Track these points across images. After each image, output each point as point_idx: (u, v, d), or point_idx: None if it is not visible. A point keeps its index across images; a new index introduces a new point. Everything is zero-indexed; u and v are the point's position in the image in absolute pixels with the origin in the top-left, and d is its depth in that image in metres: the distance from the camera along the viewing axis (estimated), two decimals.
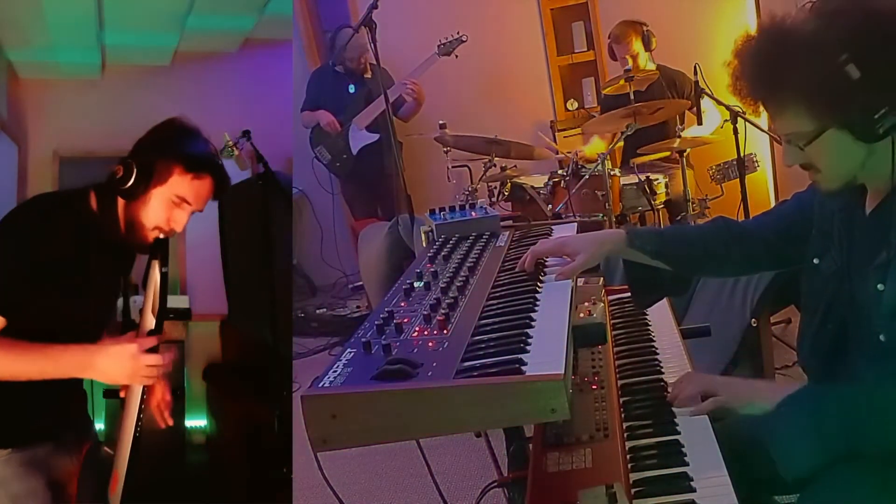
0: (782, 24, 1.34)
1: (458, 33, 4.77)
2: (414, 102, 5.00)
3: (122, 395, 1.79)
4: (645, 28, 4.52)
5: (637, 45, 4.51)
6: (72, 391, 1.80)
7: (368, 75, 5.14)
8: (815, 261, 1.51)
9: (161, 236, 1.69)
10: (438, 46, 4.80)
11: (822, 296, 1.49)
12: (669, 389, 1.63)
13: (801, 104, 1.32)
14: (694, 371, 1.71)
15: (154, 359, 1.60)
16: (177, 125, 1.73)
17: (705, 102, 3.97)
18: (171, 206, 1.65)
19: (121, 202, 1.66)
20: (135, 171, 1.61)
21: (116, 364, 1.58)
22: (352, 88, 5.16)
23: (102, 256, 1.69)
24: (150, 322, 1.68)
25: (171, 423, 1.85)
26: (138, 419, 1.70)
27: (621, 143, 4.53)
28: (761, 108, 1.43)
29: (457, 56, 4.80)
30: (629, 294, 2.20)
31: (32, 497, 1.70)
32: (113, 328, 1.80)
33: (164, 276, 1.69)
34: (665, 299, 2.14)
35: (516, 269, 1.65)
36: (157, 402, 1.82)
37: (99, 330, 1.75)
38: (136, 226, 1.66)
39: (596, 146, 4.70)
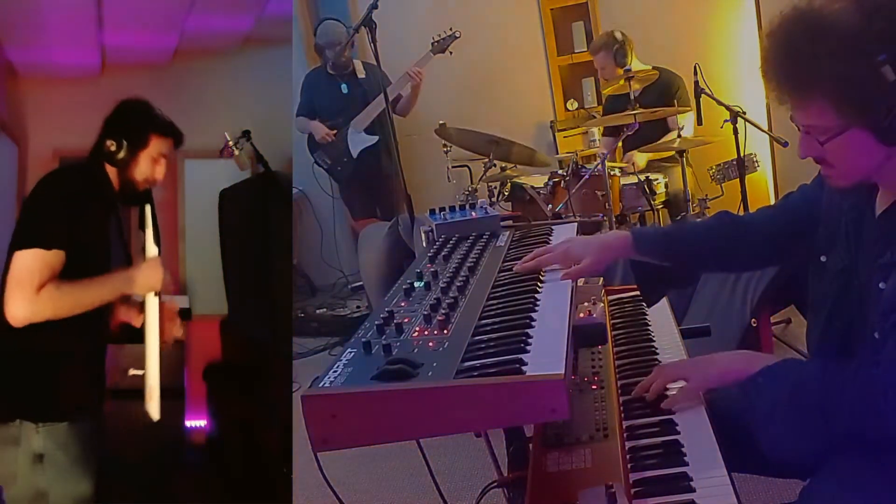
0: (820, 12, 1.30)
1: (451, 30, 4.76)
2: (409, 99, 4.98)
3: (137, 324, 2.25)
4: (616, 46, 4.48)
5: (604, 60, 4.51)
6: (103, 374, 2.24)
7: (362, 75, 5.13)
8: (823, 258, 1.51)
9: (148, 187, 2.21)
10: (432, 44, 4.79)
11: (828, 294, 1.48)
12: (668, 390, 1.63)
13: (828, 99, 1.29)
14: (663, 364, 1.67)
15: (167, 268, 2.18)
16: (138, 103, 2.21)
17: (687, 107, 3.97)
18: (153, 162, 2.18)
19: (111, 169, 2.15)
20: (125, 143, 2.12)
21: (150, 275, 2.14)
22: (344, 88, 5.14)
23: (109, 211, 2.18)
24: (154, 248, 2.22)
25: (180, 333, 2.33)
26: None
27: (620, 144, 4.54)
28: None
29: (451, 53, 4.79)
30: (629, 294, 2.21)
31: (87, 461, 2.11)
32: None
33: (153, 215, 2.24)
34: (665, 299, 2.14)
35: (515, 271, 1.65)
36: (167, 318, 2.26)
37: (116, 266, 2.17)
38: (130, 183, 2.17)
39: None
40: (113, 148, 2.12)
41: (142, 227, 2.23)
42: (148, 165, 2.17)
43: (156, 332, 2.20)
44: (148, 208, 2.23)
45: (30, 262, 1.96)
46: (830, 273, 1.48)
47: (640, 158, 4.41)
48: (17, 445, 2.04)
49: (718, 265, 1.89)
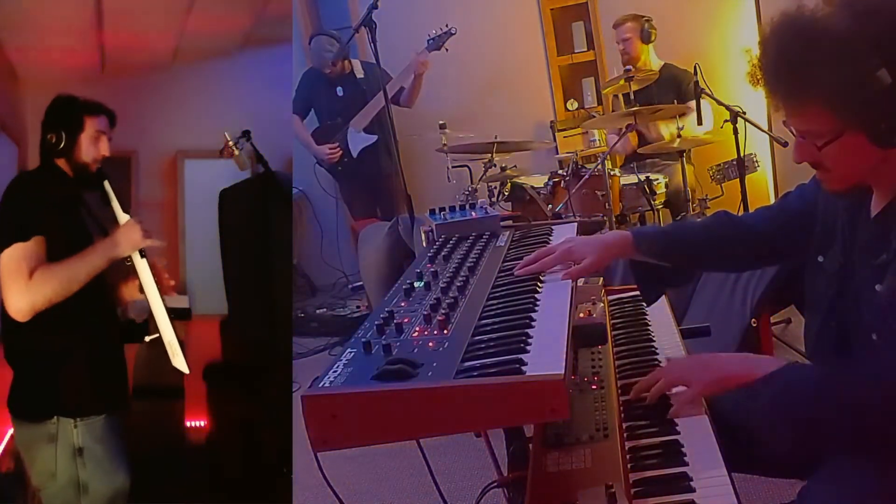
0: (813, 18, 1.29)
1: (447, 26, 4.76)
2: (411, 89, 4.99)
3: (137, 294, 2.38)
4: (645, 21, 4.54)
5: (631, 31, 4.55)
6: (126, 368, 2.38)
7: (360, 75, 5.13)
8: (820, 258, 1.51)
9: (99, 166, 2.34)
10: (428, 42, 4.79)
11: (825, 294, 1.48)
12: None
13: (825, 104, 1.29)
14: (665, 364, 1.65)
15: (143, 225, 2.29)
16: (64, 97, 2.35)
17: (704, 102, 3.98)
18: (95, 141, 2.31)
19: (61, 161, 2.29)
20: (63, 132, 2.26)
21: (129, 234, 2.25)
22: (340, 91, 5.15)
23: (72, 198, 2.31)
24: (124, 215, 2.34)
25: (174, 282, 2.50)
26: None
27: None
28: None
29: (447, 50, 4.79)
30: (629, 294, 2.21)
31: (122, 453, 2.24)
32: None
33: (113, 189, 2.37)
34: (664, 299, 2.14)
35: (515, 274, 1.64)
36: (158, 272, 2.38)
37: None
38: (81, 167, 2.31)
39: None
40: (54, 140, 2.27)
41: (106, 202, 2.35)
42: (90, 145, 2.30)
43: (155, 290, 2.32)
44: (106, 184, 2.36)
45: (12, 257, 2.07)
46: (827, 273, 1.48)
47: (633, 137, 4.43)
48: (54, 443, 2.14)
49: (717, 265, 1.89)
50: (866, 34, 1.24)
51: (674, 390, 1.54)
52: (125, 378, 2.38)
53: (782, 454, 1.37)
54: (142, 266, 2.31)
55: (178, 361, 2.31)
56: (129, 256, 2.29)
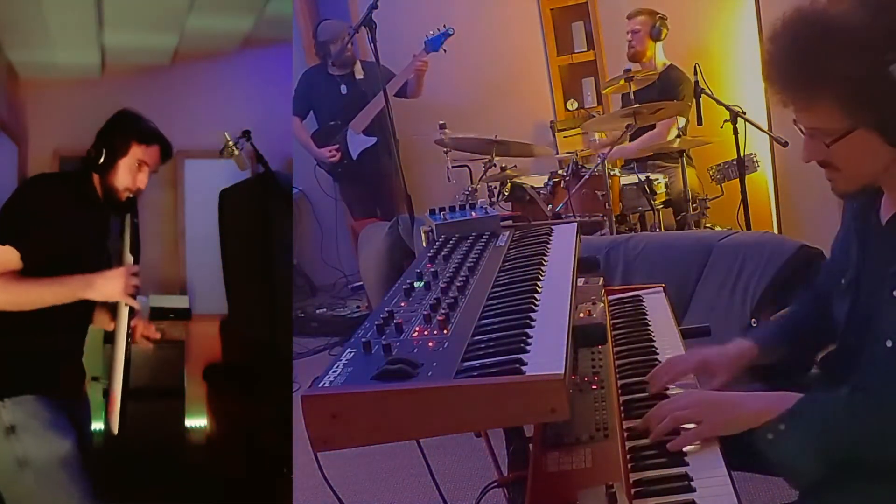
0: (825, 13, 1.28)
1: (444, 26, 4.76)
2: (415, 82, 4.99)
3: (111, 328, 2.28)
4: (659, 18, 4.54)
5: (643, 24, 4.55)
6: (76, 356, 2.29)
7: (360, 76, 5.13)
8: (843, 281, 1.49)
9: (130, 195, 2.23)
10: (425, 43, 4.80)
11: (841, 310, 1.46)
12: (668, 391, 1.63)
13: (835, 100, 1.27)
14: (668, 399, 1.52)
15: (136, 280, 2.16)
16: (126, 113, 2.26)
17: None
18: (134, 170, 2.20)
19: (95, 177, 2.20)
20: (104, 150, 2.17)
21: (111, 282, 2.13)
22: (343, 89, 5.15)
23: (90, 217, 2.22)
24: (129, 258, 2.25)
25: (157, 336, 2.35)
26: (127, 347, 2.23)
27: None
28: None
29: (445, 51, 4.80)
30: (629, 294, 2.21)
31: (64, 433, 2.14)
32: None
33: (134, 225, 2.29)
34: (664, 299, 2.14)
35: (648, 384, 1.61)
36: (140, 330, 2.31)
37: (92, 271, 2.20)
38: (111, 191, 2.20)
39: None
40: (93, 154, 2.19)
41: (122, 235, 2.27)
42: (126, 174, 2.19)
43: (123, 342, 2.22)
44: (129, 218, 2.27)
45: None
46: (843, 289, 1.47)
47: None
48: None
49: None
50: (880, 29, 1.23)
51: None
52: (70, 364, 2.27)
53: (820, 484, 1.35)
54: (122, 313, 2.22)
55: (113, 420, 2.19)
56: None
